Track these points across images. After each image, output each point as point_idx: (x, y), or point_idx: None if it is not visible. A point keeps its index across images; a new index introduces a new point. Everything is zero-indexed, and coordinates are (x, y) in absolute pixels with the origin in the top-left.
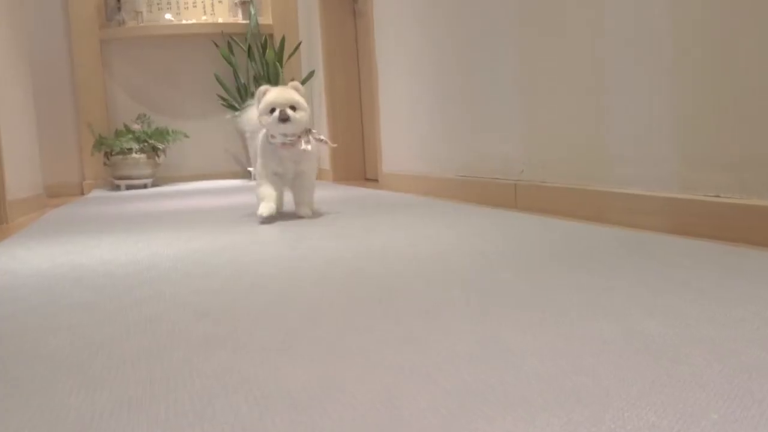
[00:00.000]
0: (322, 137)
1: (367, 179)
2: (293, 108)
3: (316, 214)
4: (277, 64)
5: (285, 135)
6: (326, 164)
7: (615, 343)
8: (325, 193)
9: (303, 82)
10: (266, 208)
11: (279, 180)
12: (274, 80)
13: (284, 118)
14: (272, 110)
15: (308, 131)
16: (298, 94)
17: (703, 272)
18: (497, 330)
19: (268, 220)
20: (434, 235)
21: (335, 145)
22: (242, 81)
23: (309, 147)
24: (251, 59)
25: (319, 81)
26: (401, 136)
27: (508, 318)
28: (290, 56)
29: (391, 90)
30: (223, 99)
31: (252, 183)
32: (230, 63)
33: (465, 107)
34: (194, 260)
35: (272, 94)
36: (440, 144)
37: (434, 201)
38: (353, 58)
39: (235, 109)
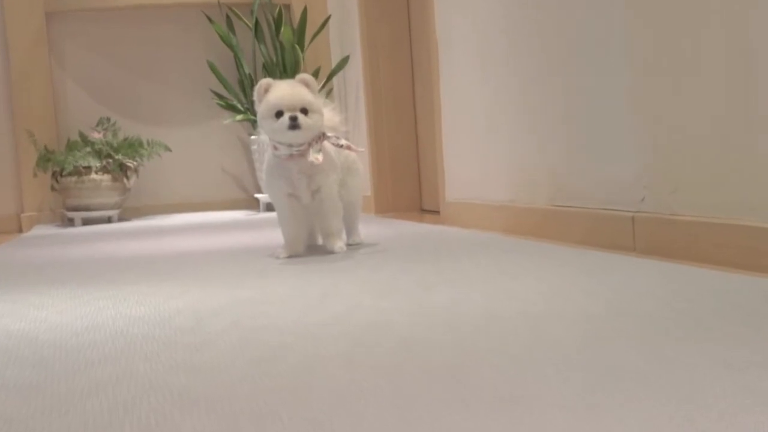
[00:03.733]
0: (342, 141)
1: (424, 211)
2: (305, 111)
3: (355, 247)
4: (296, 47)
5: (291, 145)
6: (366, 189)
7: None
8: (365, 229)
9: (333, 73)
10: (285, 251)
11: (298, 205)
12: (292, 70)
13: (294, 125)
14: (278, 113)
15: (320, 137)
16: (309, 90)
17: None
18: (609, 428)
19: (292, 254)
20: (519, 289)
21: (362, 150)
22: (246, 71)
23: (319, 157)
24: (259, 40)
25: (356, 71)
26: (473, 150)
27: (624, 410)
28: (315, 36)
29: (459, 86)
30: (220, 96)
31: (261, 216)
32: (230, 45)
33: (561, 113)
34: (179, 326)
35: (277, 91)
36: (527, 163)
37: (518, 241)
38: (404, 39)
39: (236, 110)
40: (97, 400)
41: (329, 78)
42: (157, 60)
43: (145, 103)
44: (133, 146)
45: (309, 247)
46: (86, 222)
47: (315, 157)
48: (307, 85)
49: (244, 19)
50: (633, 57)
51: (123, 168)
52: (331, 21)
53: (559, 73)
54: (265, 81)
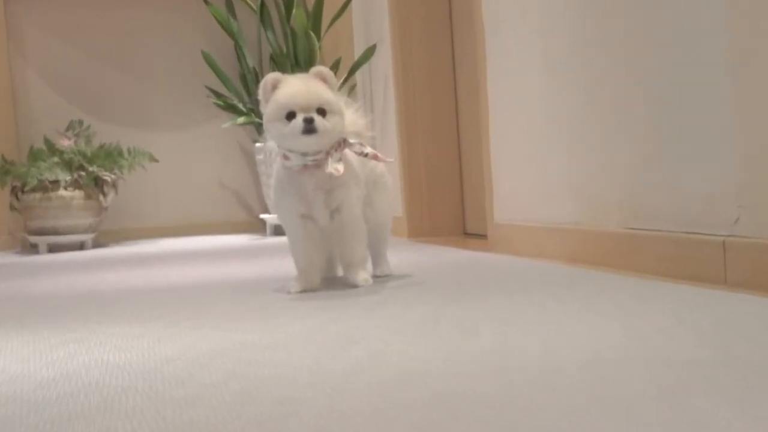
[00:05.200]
0: (367, 150)
1: (468, 234)
2: (322, 112)
3: (383, 280)
4: (311, 34)
5: (305, 154)
6: (397, 208)
7: None
8: (395, 258)
9: (356, 66)
10: (298, 283)
11: (313, 227)
12: (306, 62)
13: (310, 129)
14: (289, 115)
15: (341, 144)
16: (327, 87)
17: None
18: None
19: (306, 288)
20: (584, 332)
21: (391, 160)
22: (250, 63)
23: (340, 168)
24: (266, 26)
25: (384, 63)
26: (528, 161)
27: None
28: (334, 20)
29: (511, 83)
30: (218, 94)
31: (268, 241)
32: (230, 33)
33: (637, 117)
34: (167, 376)
35: (288, 88)
36: (595, 177)
37: (584, 272)
38: (443, 25)
39: (238, 111)
40: None
41: (352, 72)
42: (140, 50)
43: (125, 102)
44: (110, 156)
45: (326, 279)
46: (53, 248)
47: (334, 168)
48: (324, 80)
49: (248, 1)
50: (730, 47)
51: (98, 182)
52: (354, 2)
53: (636, 68)
54: (272, 76)
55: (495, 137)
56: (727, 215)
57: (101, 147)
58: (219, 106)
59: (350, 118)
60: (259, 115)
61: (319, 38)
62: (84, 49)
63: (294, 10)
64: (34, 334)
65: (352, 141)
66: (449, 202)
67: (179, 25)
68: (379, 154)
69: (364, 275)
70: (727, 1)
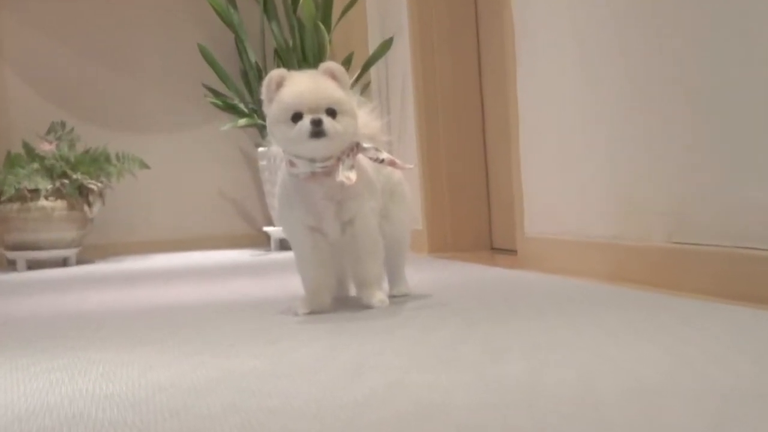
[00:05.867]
0: (383, 155)
1: (496, 250)
2: (332, 113)
3: (401, 300)
4: (321, 26)
5: (313, 160)
6: (417, 221)
7: None
8: (414, 276)
9: (371, 62)
10: (306, 304)
11: (323, 242)
12: (315, 57)
13: (318, 132)
14: (295, 116)
15: (354, 149)
16: (338, 85)
17: None
18: None
19: (314, 310)
20: (625, 358)
21: (410, 167)
22: (252, 59)
23: (352, 176)
24: (270, 17)
25: (402, 59)
26: (563, 168)
27: None
28: (346, 11)
29: (544, 82)
30: (216, 93)
31: (272, 257)
32: (230, 25)
33: (685, 118)
34: (161, 407)
35: (294, 86)
36: (637, 186)
37: (625, 291)
38: (468, 17)
39: (238, 112)
40: None
41: (365, 68)
42: (130, 44)
43: (113, 102)
44: (97, 162)
45: (338, 300)
46: (33, 265)
47: (346, 176)
48: (334, 77)
49: None
50: None
51: (83, 191)
52: None
53: (682, 67)
54: (277, 72)
55: (525, 141)
56: None
57: (86, 152)
58: (218, 106)
59: (364, 119)
60: (262, 117)
61: (329, 30)
62: (67, 42)
63: (301, 0)
64: (12, 361)
65: (365, 145)
66: (474, 214)
67: (173, 16)
68: (396, 160)
69: (379, 295)
70: None
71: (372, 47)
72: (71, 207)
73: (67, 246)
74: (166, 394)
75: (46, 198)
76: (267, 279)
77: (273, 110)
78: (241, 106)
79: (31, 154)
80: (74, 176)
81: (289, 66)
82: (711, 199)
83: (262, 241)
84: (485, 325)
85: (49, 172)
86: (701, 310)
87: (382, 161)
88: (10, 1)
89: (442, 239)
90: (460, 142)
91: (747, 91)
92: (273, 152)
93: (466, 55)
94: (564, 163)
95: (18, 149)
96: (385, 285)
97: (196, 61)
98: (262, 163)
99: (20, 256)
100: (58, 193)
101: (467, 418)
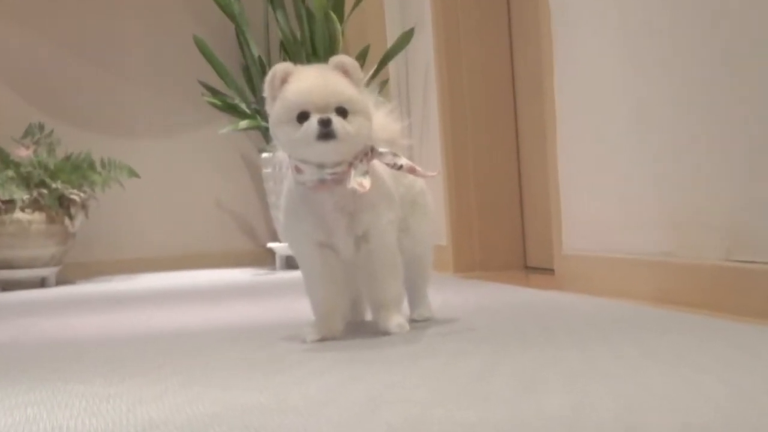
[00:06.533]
0: (401, 161)
1: (530, 268)
2: (343, 112)
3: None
4: (332, 15)
5: (322, 165)
6: (441, 237)
7: None
8: (438, 297)
9: (389, 56)
10: (315, 330)
11: (334, 260)
12: (325, 50)
13: (327, 134)
14: (301, 116)
15: (368, 153)
16: (351, 81)
17: None
18: None
19: (325, 336)
20: (676, 390)
21: (433, 174)
22: (255, 53)
23: (366, 183)
24: (275, 6)
25: (424, 52)
26: (607, 176)
27: None
28: (359, 1)
29: (585, 79)
30: (214, 91)
31: (277, 276)
32: (230, 15)
33: (745, 121)
34: None
35: (301, 82)
36: (692, 197)
37: (677, 315)
38: (499, 5)
39: (239, 113)
40: None
41: (383, 63)
42: (117, 37)
43: (98, 102)
44: (79, 169)
45: (351, 325)
46: (7, 286)
47: (359, 182)
48: (346, 72)
49: None
50: None
51: (64, 203)
52: None
53: (743, 64)
54: (282, 66)
55: (564, 144)
56: None
57: (67, 158)
58: (216, 106)
59: (380, 121)
60: (266, 118)
61: (341, 21)
62: (46, 34)
63: None
64: None
65: (382, 150)
66: (506, 228)
67: (166, 6)
68: (417, 167)
69: (398, 319)
70: None
71: (390, 39)
72: (50, 220)
73: (46, 264)
74: (158, 431)
75: (22, 210)
76: (271, 301)
77: (276, 109)
78: (243, 105)
79: (5, 160)
80: (54, 185)
81: (296, 60)
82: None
83: (266, 259)
84: (519, 353)
85: (26, 181)
86: (762, 337)
87: (400, 168)
88: None
89: (469, 256)
90: (489, 146)
91: None
92: (279, 158)
93: (497, 46)
94: (608, 172)
95: None
96: (405, 308)
97: (192, 56)
98: (266, 170)
99: None
100: (35, 205)
101: None
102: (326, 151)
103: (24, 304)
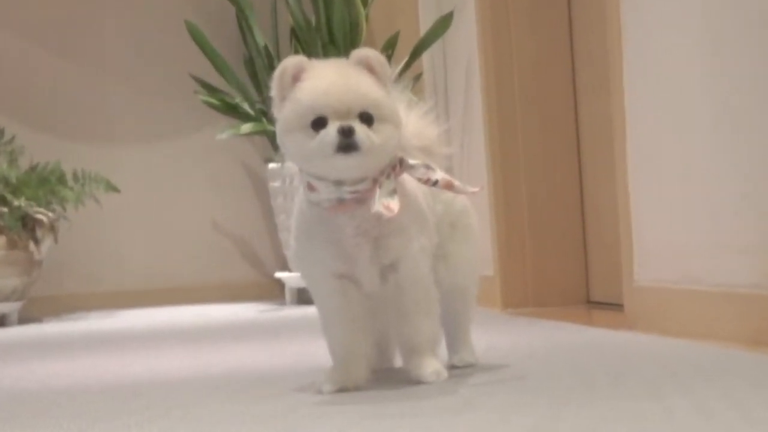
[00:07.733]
0: (437, 175)
1: (594, 303)
2: (368, 119)
3: (464, 373)
4: (357, 1)
5: (341, 183)
6: (487, 266)
7: None
8: (482, 339)
9: (422, 47)
10: (334, 379)
11: (356, 294)
12: (346, 41)
13: (349, 145)
14: (317, 123)
15: (396, 167)
16: (376, 79)
17: None
18: None
19: (345, 386)
20: None
21: (475, 190)
22: (260, 42)
23: (393, 205)
24: None
25: (465, 44)
26: (687, 196)
27: None
28: None
29: (661, 77)
30: (211, 89)
31: (287, 313)
32: None
33: None
34: None
35: (316, 80)
36: None
37: None
38: None
39: (241, 115)
40: None
41: (415, 55)
42: (92, 23)
43: (70, 103)
44: (47, 183)
45: (377, 372)
46: None
47: (385, 205)
48: (371, 69)
49: None
50: None
51: (28, 223)
52: None
53: None
54: (293, 61)
55: (635, 154)
56: None
57: (32, 169)
58: (213, 106)
59: (413, 125)
60: (273, 121)
61: (365, 4)
62: (8, 23)
63: None
64: None
65: (412, 162)
66: (565, 257)
67: None
68: (455, 182)
69: (434, 366)
70: None
71: (424, 26)
72: (12, 245)
73: (6, 299)
74: None
75: None
76: (280, 343)
77: (286, 113)
78: (245, 106)
79: None
80: (16, 203)
81: (310, 52)
82: None
83: (274, 292)
84: (581, 407)
85: None
86: None
87: (435, 183)
88: None
89: (520, 289)
90: (545, 156)
91: None
92: (289, 170)
93: (554, 34)
94: (690, 184)
95: None
96: (443, 352)
97: (184, 45)
98: (274, 184)
99: None
100: None
101: None
102: (347, 166)
103: None
